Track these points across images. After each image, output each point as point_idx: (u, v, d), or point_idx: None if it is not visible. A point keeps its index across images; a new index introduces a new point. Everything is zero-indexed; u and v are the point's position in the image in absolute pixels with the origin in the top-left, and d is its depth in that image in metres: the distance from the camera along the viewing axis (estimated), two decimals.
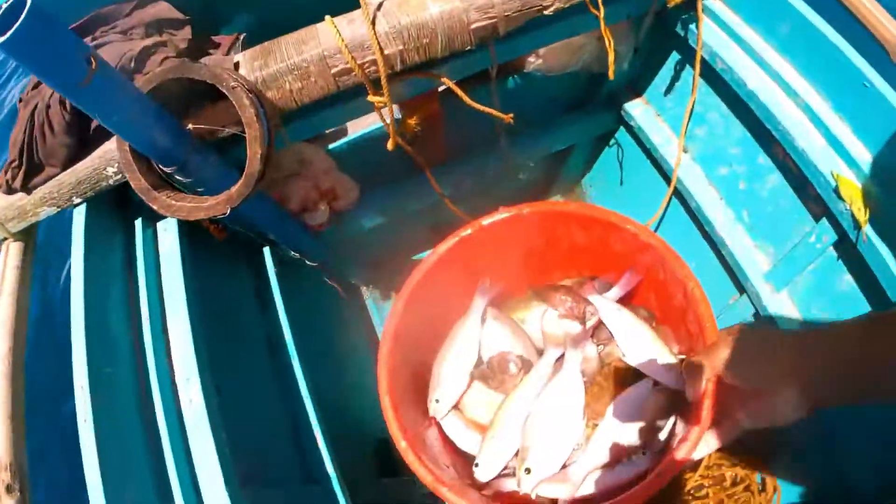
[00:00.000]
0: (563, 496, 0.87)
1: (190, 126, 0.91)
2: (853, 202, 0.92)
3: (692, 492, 1.15)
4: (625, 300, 1.05)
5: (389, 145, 1.01)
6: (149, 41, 0.95)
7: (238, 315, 1.12)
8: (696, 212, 1.23)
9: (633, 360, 0.95)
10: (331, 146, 1.23)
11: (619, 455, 0.89)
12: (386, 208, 1.32)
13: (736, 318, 1.21)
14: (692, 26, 1.08)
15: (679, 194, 1.28)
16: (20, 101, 0.98)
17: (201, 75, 0.85)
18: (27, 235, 1.01)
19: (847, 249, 0.97)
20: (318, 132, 1.06)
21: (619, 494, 0.77)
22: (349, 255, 1.39)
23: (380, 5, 0.94)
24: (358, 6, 0.90)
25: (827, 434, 1.05)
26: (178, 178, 0.90)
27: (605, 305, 1.01)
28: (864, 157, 0.92)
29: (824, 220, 0.99)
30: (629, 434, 0.89)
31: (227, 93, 0.84)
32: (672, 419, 0.88)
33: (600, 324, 1.02)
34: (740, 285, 1.16)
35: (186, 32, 0.99)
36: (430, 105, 1.14)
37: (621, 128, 1.46)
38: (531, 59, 1.16)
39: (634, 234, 0.93)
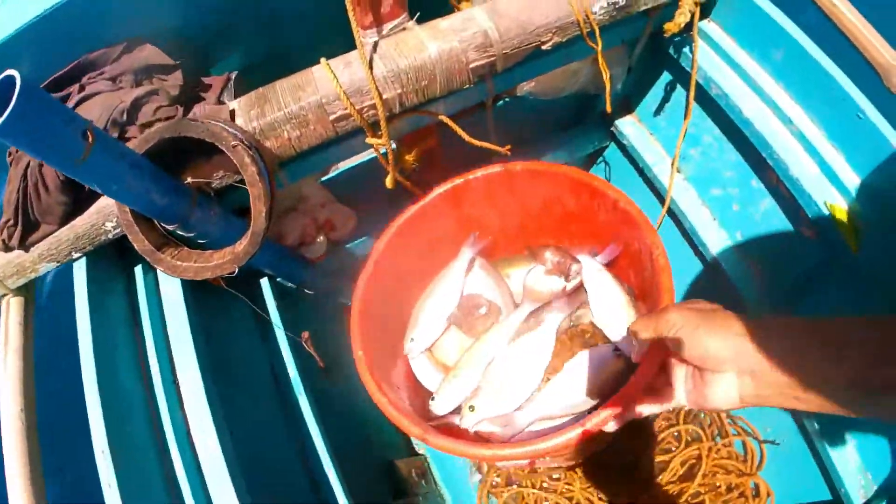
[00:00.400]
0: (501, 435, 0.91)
1: (189, 180, 0.90)
2: (845, 231, 0.95)
3: (689, 499, 1.21)
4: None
5: (389, 183, 1.01)
6: (139, 90, 0.93)
7: (241, 351, 1.13)
8: (690, 232, 1.25)
9: (600, 321, 0.98)
10: (326, 178, 1.22)
11: (566, 411, 0.90)
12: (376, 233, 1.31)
13: None
14: (686, 49, 1.08)
15: (672, 214, 1.30)
16: (9, 155, 0.96)
17: (200, 134, 0.83)
18: (27, 290, 1.00)
19: (839, 276, 1.00)
20: (316, 171, 1.05)
21: None
22: (347, 279, 1.39)
23: (375, 46, 0.93)
24: (347, 41, 0.88)
25: (817, 437, 1.11)
26: (180, 233, 0.89)
27: (591, 265, 1.03)
28: (857, 186, 0.94)
29: (817, 246, 1.02)
30: (579, 392, 0.90)
31: (228, 152, 0.83)
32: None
33: (581, 287, 1.04)
34: (734, 306, 1.19)
35: (177, 77, 0.96)
36: (429, 137, 1.13)
37: (612, 144, 1.47)
38: (525, 84, 1.15)
39: (615, 201, 0.94)
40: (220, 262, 0.85)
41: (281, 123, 0.90)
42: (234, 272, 0.85)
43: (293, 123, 0.90)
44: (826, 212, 0.96)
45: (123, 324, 0.96)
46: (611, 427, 0.74)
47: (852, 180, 0.95)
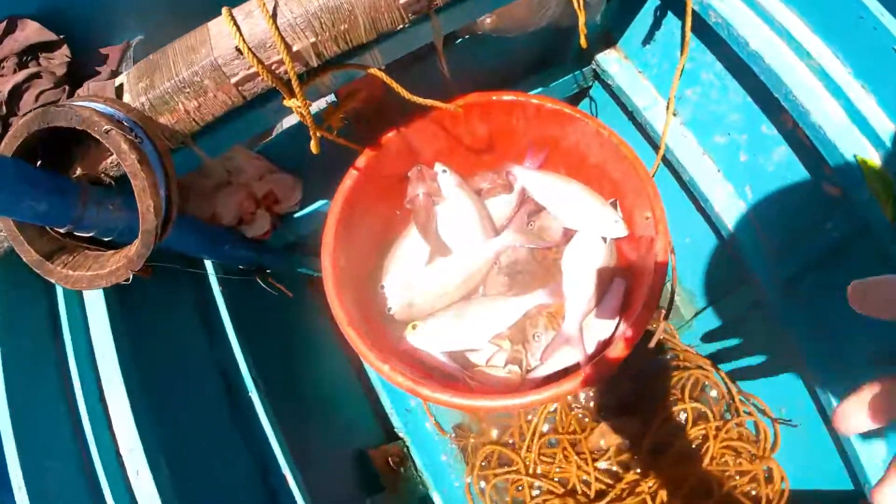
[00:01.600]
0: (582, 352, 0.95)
1: (79, 172, 0.78)
2: (878, 194, 0.75)
3: (695, 484, 1.09)
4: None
5: (313, 148, 0.85)
6: (19, 76, 0.80)
7: (184, 351, 1.02)
8: (690, 185, 1.06)
9: (568, 219, 1.04)
10: (263, 144, 1.06)
11: (591, 304, 0.98)
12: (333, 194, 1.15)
13: (737, 309, 1.08)
14: None
15: (669, 164, 1.11)
16: None
17: (69, 122, 0.69)
18: None
19: (868, 244, 0.81)
20: (241, 140, 0.90)
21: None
22: (301, 252, 1.25)
23: None
24: None
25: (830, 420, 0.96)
26: (76, 234, 0.77)
27: (522, 171, 1.10)
28: (894, 136, 0.74)
29: (843, 211, 0.83)
30: (590, 282, 0.98)
31: (101, 139, 0.69)
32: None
33: (526, 196, 1.11)
34: (742, 271, 1.01)
35: (63, 53, 0.82)
36: (372, 85, 0.96)
37: (596, 84, 1.25)
38: (484, 20, 0.95)
39: (538, 106, 0.97)
40: (113, 269, 0.73)
41: (174, 94, 0.75)
42: (128, 279, 0.73)
43: (188, 93, 0.75)
44: (856, 167, 0.77)
45: (42, 335, 0.86)
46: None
47: (887, 129, 0.75)
